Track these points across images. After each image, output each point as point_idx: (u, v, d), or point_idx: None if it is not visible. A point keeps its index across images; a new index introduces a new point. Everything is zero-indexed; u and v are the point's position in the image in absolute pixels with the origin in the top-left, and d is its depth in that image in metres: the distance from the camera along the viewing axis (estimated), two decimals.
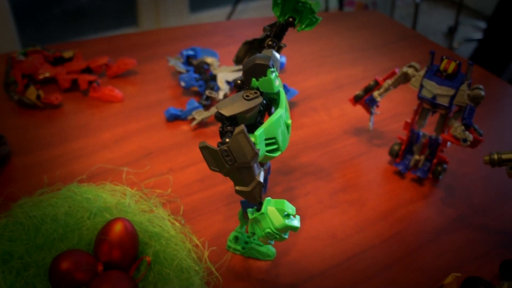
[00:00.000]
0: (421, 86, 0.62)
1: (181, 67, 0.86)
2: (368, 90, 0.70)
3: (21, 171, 0.68)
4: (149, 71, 0.92)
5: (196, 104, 0.78)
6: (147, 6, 2.15)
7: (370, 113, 0.72)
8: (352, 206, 0.65)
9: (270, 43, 0.51)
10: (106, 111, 0.81)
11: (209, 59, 0.87)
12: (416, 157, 0.68)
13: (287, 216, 0.45)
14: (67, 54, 0.90)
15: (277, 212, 0.45)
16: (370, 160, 0.73)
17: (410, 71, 0.64)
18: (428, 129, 0.71)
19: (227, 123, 0.44)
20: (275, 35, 0.52)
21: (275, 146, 0.46)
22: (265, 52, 0.50)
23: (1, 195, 0.61)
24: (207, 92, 0.81)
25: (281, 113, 0.47)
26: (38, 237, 0.52)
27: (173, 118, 0.79)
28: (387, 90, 0.68)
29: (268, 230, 0.45)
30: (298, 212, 0.60)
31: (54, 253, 0.52)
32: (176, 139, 0.75)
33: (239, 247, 0.58)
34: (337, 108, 0.84)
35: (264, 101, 0.49)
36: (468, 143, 0.57)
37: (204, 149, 0.43)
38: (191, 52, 0.89)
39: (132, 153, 0.72)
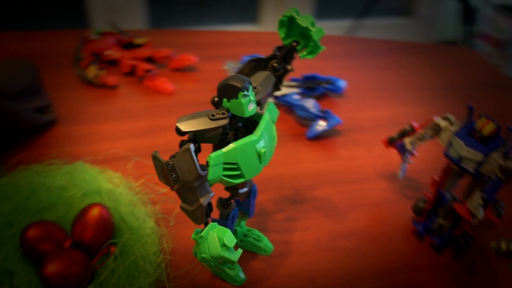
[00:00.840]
0: (450, 143, 0.55)
1: (233, 72, 0.87)
2: (403, 134, 0.64)
3: (54, 140, 0.74)
4: (212, 71, 0.95)
5: None
6: (270, 6, 2.19)
7: (403, 160, 0.66)
8: (349, 255, 0.60)
9: (275, 65, 0.50)
10: (154, 101, 0.85)
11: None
12: (440, 221, 0.61)
13: (226, 247, 0.43)
14: (139, 40, 0.96)
15: (216, 239, 0.43)
16: (392, 211, 0.67)
17: (443, 123, 0.57)
18: (459, 191, 0.63)
19: (188, 138, 0.44)
20: (282, 57, 0.50)
21: (236, 173, 0.45)
22: (258, 74, 0.49)
23: (25, 157, 0.68)
24: None
25: (251, 140, 0.45)
26: (28, 201, 0.57)
27: None
28: (420, 139, 0.62)
29: (204, 255, 0.44)
30: (288, 245, 0.58)
31: (36, 219, 0.57)
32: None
33: (237, 240, 0.58)
34: (381, 147, 0.78)
35: (240, 124, 0.47)
36: (476, 221, 0.49)
37: (155, 159, 0.43)
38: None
39: (156, 146, 0.74)
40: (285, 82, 0.85)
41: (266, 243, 0.60)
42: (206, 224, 0.45)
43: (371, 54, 1.10)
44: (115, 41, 0.95)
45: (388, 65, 1.04)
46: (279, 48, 0.50)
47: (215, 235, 0.44)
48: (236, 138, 0.47)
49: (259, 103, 0.47)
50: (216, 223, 0.45)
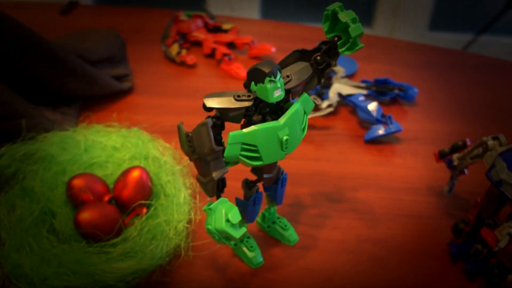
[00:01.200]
0: (493, 164, 0.51)
1: None
2: (454, 149, 0.61)
3: (123, 106, 0.82)
4: None
5: None
6: (385, 12, 2.15)
7: (451, 176, 0.62)
8: (372, 262, 0.59)
9: (318, 58, 0.50)
10: (227, 84, 0.90)
11: (338, 68, 0.86)
12: (478, 246, 0.57)
13: (230, 222, 0.45)
14: (226, 26, 1.01)
15: (223, 214, 0.46)
16: (430, 226, 0.64)
17: (491, 143, 0.53)
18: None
19: (215, 114, 0.46)
20: (325, 51, 0.51)
21: (255, 155, 0.46)
22: (296, 64, 0.50)
23: (92, 116, 0.76)
24: (312, 97, 0.81)
25: (273, 125, 0.46)
26: (83, 155, 0.64)
27: None
28: (469, 157, 0.58)
29: (209, 227, 0.46)
30: (314, 240, 0.59)
31: (86, 172, 0.64)
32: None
33: (265, 225, 0.61)
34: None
35: (268, 109, 0.49)
36: (497, 248, 0.45)
37: (179, 129, 0.46)
38: None
39: None
40: (354, 83, 0.84)
41: (292, 233, 0.61)
42: (218, 198, 0.47)
43: (454, 67, 1.03)
44: (202, 24, 1.00)
45: (470, 81, 0.97)
46: (324, 42, 0.51)
47: (223, 210, 0.46)
48: (263, 122, 0.49)
49: (289, 91, 0.48)
50: (226, 199, 0.47)
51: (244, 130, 0.45)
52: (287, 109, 0.49)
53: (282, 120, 0.47)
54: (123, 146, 0.66)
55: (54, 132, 0.65)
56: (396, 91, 0.85)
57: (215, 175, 0.45)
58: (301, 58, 0.52)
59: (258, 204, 0.56)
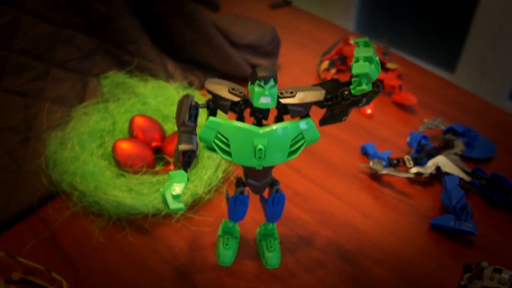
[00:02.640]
0: None
1: (429, 125, 0.81)
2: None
3: None
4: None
5: (385, 156, 0.75)
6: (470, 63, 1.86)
7: None
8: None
9: (346, 93, 0.49)
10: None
11: (458, 142, 0.76)
12: None
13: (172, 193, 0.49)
14: (391, 65, 0.98)
15: (173, 181, 0.50)
16: None
17: None
18: None
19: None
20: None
21: (226, 148, 0.49)
22: (311, 86, 0.49)
23: None
24: (406, 157, 0.74)
25: (250, 130, 0.48)
26: (167, 106, 0.75)
27: (364, 152, 0.79)
28: None
29: (161, 189, 0.51)
30: (292, 277, 0.60)
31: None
32: (343, 164, 0.77)
33: (257, 237, 0.63)
34: None
35: (261, 115, 0.50)
36: None
37: (181, 97, 0.52)
38: (458, 128, 0.80)
39: None
40: (465, 166, 0.72)
41: (273, 257, 0.60)
42: (184, 170, 0.51)
43: None
44: None
45: None
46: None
47: (175, 179, 0.50)
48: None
49: (285, 107, 0.48)
50: (186, 174, 0.51)
51: (223, 121, 0.48)
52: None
53: (263, 129, 0.48)
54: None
55: (158, 79, 0.78)
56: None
57: (181, 147, 0.49)
58: (333, 87, 0.51)
59: (240, 205, 0.57)
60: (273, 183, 0.56)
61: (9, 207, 0.64)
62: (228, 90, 0.49)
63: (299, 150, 0.50)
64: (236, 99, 0.49)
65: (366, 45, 0.45)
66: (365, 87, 0.45)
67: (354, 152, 0.79)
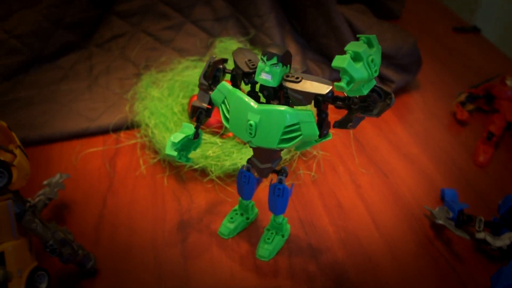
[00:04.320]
0: None
1: None
2: None
3: None
4: None
5: (459, 207, 0.63)
6: None
7: None
8: None
9: (355, 99, 0.45)
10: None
11: None
12: None
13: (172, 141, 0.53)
14: None
15: (181, 131, 0.54)
16: None
17: None
18: None
19: None
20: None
21: (227, 114, 0.50)
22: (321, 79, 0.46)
23: None
24: (479, 218, 0.60)
25: (247, 102, 0.47)
26: None
27: (442, 195, 0.68)
28: None
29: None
30: (275, 275, 0.58)
31: None
32: (409, 197, 0.69)
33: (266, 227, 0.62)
34: None
35: (266, 92, 0.49)
36: None
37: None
38: None
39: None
40: None
41: (266, 249, 0.58)
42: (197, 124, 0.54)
43: None
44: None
45: None
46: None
47: (184, 129, 0.54)
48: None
49: (285, 90, 0.47)
50: (192, 127, 0.54)
51: (231, 88, 0.49)
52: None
53: (257, 106, 0.47)
54: None
55: None
56: None
57: (194, 103, 0.53)
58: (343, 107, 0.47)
59: (245, 182, 0.57)
60: (280, 172, 0.55)
61: (97, 121, 0.76)
62: (246, 61, 0.50)
63: (293, 141, 0.47)
64: (246, 69, 0.49)
65: (368, 42, 0.41)
66: (344, 85, 0.40)
67: (431, 191, 0.69)
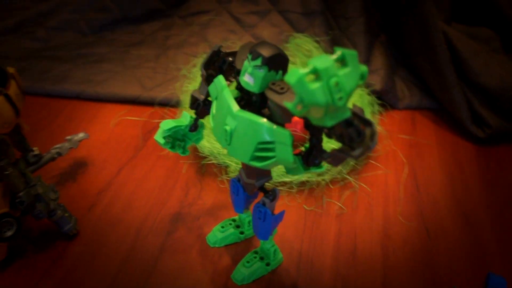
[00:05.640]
0: None
1: None
2: None
3: None
4: None
5: None
6: None
7: None
8: None
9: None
10: None
11: None
12: None
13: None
14: None
15: (178, 119, 0.50)
16: None
17: None
18: None
19: None
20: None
21: (213, 113, 0.45)
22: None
23: None
24: None
25: (229, 103, 0.41)
26: None
27: (486, 282, 0.53)
28: None
29: None
30: None
31: None
32: (444, 273, 0.56)
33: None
34: None
35: (254, 98, 0.42)
36: None
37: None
38: None
39: None
40: None
41: (240, 273, 0.52)
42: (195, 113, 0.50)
43: None
44: None
45: None
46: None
47: (181, 118, 0.50)
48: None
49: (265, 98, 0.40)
50: (189, 117, 0.49)
51: (224, 84, 0.44)
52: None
53: (237, 110, 0.41)
54: None
55: None
56: None
57: (192, 92, 0.48)
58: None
59: (234, 193, 0.51)
60: (267, 193, 0.48)
61: (150, 91, 0.76)
62: (248, 56, 0.44)
63: (265, 162, 0.40)
64: (240, 67, 0.43)
65: (341, 59, 0.31)
66: (289, 106, 0.31)
67: (477, 268, 0.55)
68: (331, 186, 0.63)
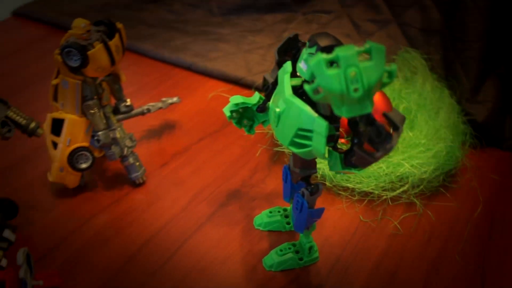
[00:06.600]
0: None
1: None
2: None
3: None
4: None
5: None
6: None
7: None
8: None
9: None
10: None
11: None
12: None
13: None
14: None
15: (252, 96, 0.53)
16: None
17: None
18: None
19: None
20: None
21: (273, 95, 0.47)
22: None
23: None
24: None
25: (287, 86, 0.43)
26: None
27: None
28: None
29: None
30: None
31: None
32: None
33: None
34: None
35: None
36: None
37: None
38: None
39: None
40: None
41: (272, 258, 0.53)
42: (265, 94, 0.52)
43: None
44: None
45: None
46: None
47: (252, 97, 0.52)
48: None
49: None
50: (258, 97, 0.51)
51: (289, 69, 0.45)
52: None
53: (288, 95, 0.43)
54: None
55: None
56: None
57: (265, 75, 0.51)
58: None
59: (284, 180, 0.52)
60: (309, 185, 0.48)
61: (255, 76, 0.80)
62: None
63: (302, 149, 0.41)
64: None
65: (368, 51, 0.31)
66: (307, 87, 0.32)
67: None
68: (390, 203, 0.61)
